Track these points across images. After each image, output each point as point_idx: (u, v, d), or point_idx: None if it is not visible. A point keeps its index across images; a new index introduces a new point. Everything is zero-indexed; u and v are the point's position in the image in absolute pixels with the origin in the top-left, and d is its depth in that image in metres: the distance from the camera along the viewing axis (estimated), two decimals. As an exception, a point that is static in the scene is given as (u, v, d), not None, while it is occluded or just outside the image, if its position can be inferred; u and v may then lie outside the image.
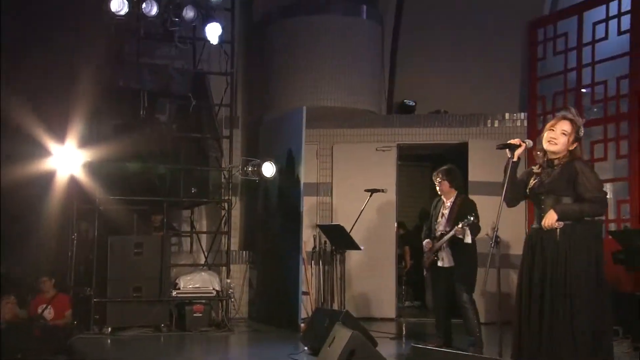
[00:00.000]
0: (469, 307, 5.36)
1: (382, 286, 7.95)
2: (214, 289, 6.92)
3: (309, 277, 7.68)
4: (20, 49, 6.68)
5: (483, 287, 3.37)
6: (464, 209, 5.53)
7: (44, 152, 6.46)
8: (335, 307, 6.90)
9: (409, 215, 9.91)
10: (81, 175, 6.52)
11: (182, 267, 7.21)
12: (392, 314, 7.91)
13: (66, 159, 6.47)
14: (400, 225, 8.98)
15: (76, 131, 6.46)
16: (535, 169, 3.72)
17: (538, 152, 3.75)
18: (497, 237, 3.71)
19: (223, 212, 7.30)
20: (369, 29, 8.13)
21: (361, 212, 6.47)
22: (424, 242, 5.87)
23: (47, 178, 6.54)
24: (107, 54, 6.67)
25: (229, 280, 7.09)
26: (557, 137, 3.61)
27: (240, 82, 8.32)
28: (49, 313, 6.08)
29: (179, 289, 6.80)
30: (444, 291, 5.64)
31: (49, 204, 6.54)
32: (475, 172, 7.75)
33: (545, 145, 3.63)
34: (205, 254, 7.67)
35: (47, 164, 6.45)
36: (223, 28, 6.84)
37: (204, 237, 7.93)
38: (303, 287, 7.28)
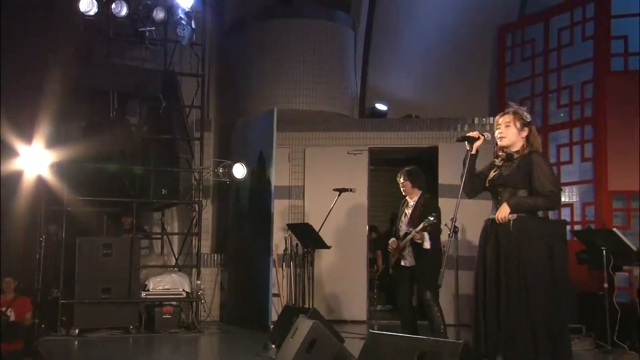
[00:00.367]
0: (432, 305, 5.44)
1: (354, 289, 8.01)
2: (184, 290, 6.93)
3: (279, 279, 7.73)
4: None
5: (440, 281, 3.45)
6: (426, 209, 5.62)
7: (11, 152, 6.44)
8: (306, 307, 6.96)
9: (381, 219, 10.04)
10: (49, 176, 6.50)
11: (152, 268, 7.20)
12: (363, 316, 7.98)
13: (34, 160, 6.45)
14: (372, 229, 9.08)
15: (44, 131, 6.44)
16: (497, 161, 3.80)
17: (499, 153, 3.85)
18: (455, 227, 3.80)
19: (194, 214, 7.33)
20: (342, 34, 8.26)
21: (330, 211, 6.54)
22: (390, 242, 5.97)
23: (15, 179, 6.52)
24: (76, 54, 6.68)
25: (199, 282, 7.10)
26: (503, 131, 3.72)
27: (213, 85, 8.39)
28: (10, 314, 6.04)
29: (148, 290, 6.79)
30: (407, 290, 5.72)
31: (16, 205, 6.51)
32: (446, 175, 7.87)
33: (498, 143, 3.75)
34: (176, 255, 7.68)
35: (14, 165, 6.43)
36: (194, 30, 6.89)
37: (175, 240, 7.94)
38: (274, 289, 7.33)
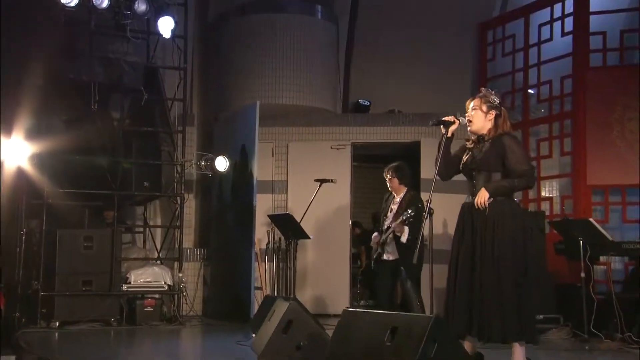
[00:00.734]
0: (412, 295, 5.56)
1: (337, 283, 8.08)
2: (165, 283, 6.95)
3: (262, 272, 7.79)
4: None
5: (415, 261, 3.52)
6: (410, 206, 5.73)
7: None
8: (288, 301, 7.02)
9: (365, 215, 10.12)
10: (29, 167, 6.52)
11: (134, 261, 7.23)
12: (345, 310, 8.05)
13: (13, 151, 6.46)
14: (356, 224, 9.15)
15: (24, 123, 6.46)
16: (468, 144, 3.89)
17: (471, 138, 3.96)
18: (430, 209, 3.89)
19: (176, 207, 7.38)
20: (325, 29, 8.36)
21: (312, 201, 6.62)
22: (373, 236, 6.08)
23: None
24: (57, 47, 6.70)
25: (180, 274, 7.14)
26: (471, 116, 3.83)
27: (197, 79, 8.45)
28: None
29: (129, 283, 6.81)
30: (387, 284, 5.84)
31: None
32: (427, 170, 7.95)
33: (468, 127, 3.85)
34: (158, 249, 7.72)
35: (-6, 156, 6.44)
36: (176, 23, 6.95)
37: (157, 234, 7.97)
38: (256, 283, 7.39)
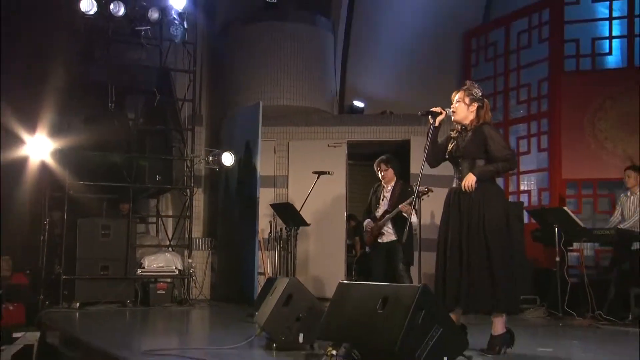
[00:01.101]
0: (404, 275, 5.63)
1: (333, 269, 8.13)
2: (176, 268, 7.01)
3: (265, 260, 7.86)
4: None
5: (405, 238, 3.58)
6: (405, 193, 5.82)
7: (17, 140, 6.53)
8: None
9: (359, 209, 10.16)
10: (52, 162, 6.59)
11: (147, 248, 7.29)
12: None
13: (37, 147, 6.54)
14: (351, 217, 9.22)
15: (47, 122, 6.54)
16: (453, 133, 3.94)
17: (456, 127, 4.01)
18: (419, 192, 3.94)
19: (186, 199, 7.45)
20: (323, 37, 8.45)
21: (310, 192, 6.69)
22: (365, 223, 6.14)
23: (20, 165, 6.61)
24: (78, 52, 6.77)
25: (190, 260, 7.21)
26: (455, 108, 3.87)
27: (205, 81, 8.53)
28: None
29: (143, 268, 6.86)
30: (382, 265, 5.89)
31: (22, 189, 6.59)
32: (416, 165, 8.03)
33: (452, 119, 3.91)
34: (170, 237, 7.79)
35: (20, 152, 6.52)
36: (187, 29, 7.02)
37: (169, 224, 8.04)
38: (259, 269, 7.46)
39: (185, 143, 7.35)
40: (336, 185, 7.92)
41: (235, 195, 7.91)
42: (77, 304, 6.41)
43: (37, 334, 5.41)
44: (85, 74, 6.89)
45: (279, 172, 8.45)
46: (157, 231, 8.12)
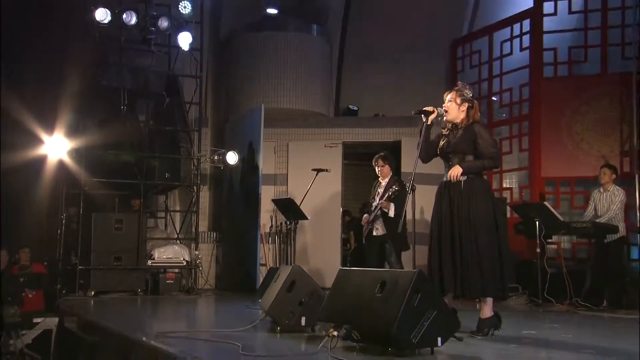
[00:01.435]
0: (395, 266, 5.66)
1: (329, 261, 8.13)
2: (184, 259, 7.03)
3: (266, 252, 7.88)
4: (16, 53, 6.75)
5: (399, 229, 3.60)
6: (392, 185, 5.83)
7: (37, 140, 6.54)
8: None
9: (354, 205, 10.21)
10: (68, 160, 6.59)
11: (157, 240, 7.31)
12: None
13: (55, 147, 6.54)
14: (346, 212, 9.25)
15: (64, 123, 6.54)
16: (444, 131, 3.94)
17: (447, 126, 4.02)
18: (413, 185, 3.94)
19: (193, 195, 7.46)
20: (319, 44, 8.50)
21: (309, 188, 6.72)
22: (363, 217, 6.17)
23: (39, 163, 6.61)
24: (92, 57, 6.78)
25: (197, 252, 7.22)
26: (447, 107, 3.86)
27: (211, 86, 8.55)
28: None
29: (153, 259, 6.88)
30: (376, 256, 5.92)
31: (41, 185, 6.60)
32: (407, 164, 8.06)
33: (444, 118, 3.90)
34: (177, 230, 7.80)
35: (39, 151, 6.52)
36: (194, 37, 7.04)
37: (176, 219, 8.04)
38: (261, 260, 7.48)
39: (192, 143, 7.37)
40: (332, 183, 7.95)
41: (238, 192, 7.93)
42: (92, 292, 6.43)
43: (56, 320, 5.42)
44: (100, 79, 6.89)
45: (279, 170, 8.47)
46: (165, 225, 8.13)
